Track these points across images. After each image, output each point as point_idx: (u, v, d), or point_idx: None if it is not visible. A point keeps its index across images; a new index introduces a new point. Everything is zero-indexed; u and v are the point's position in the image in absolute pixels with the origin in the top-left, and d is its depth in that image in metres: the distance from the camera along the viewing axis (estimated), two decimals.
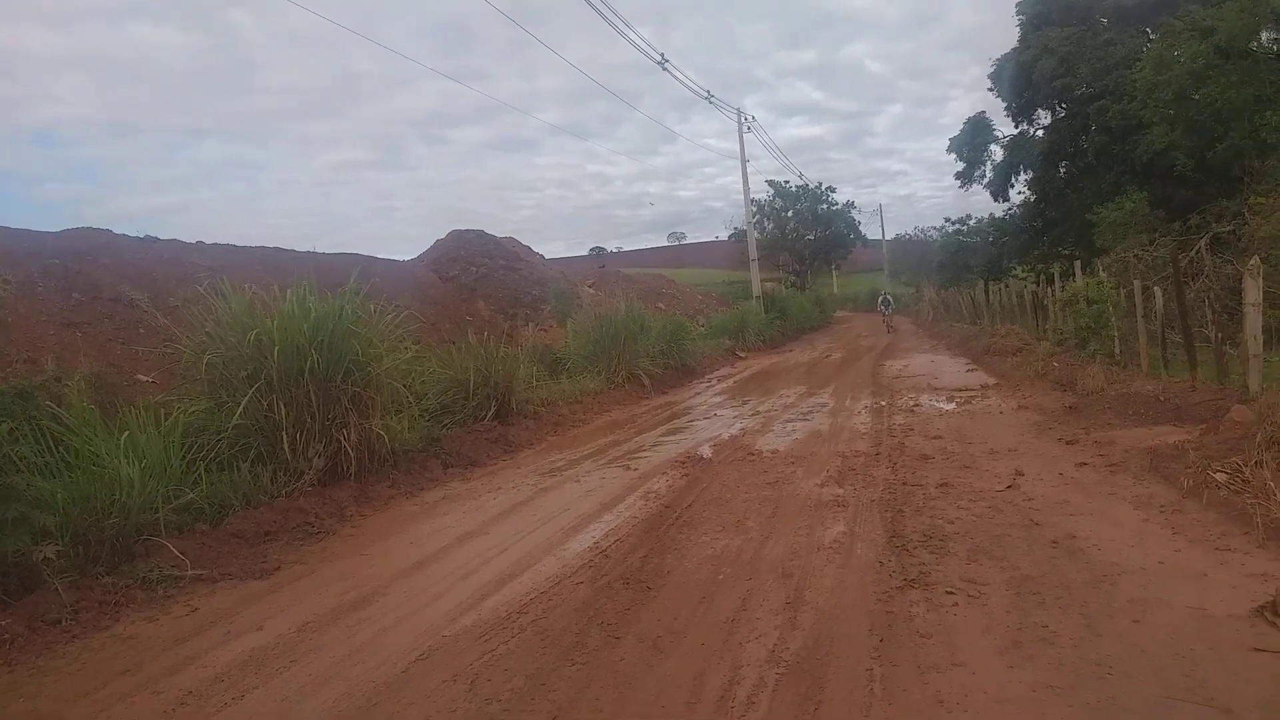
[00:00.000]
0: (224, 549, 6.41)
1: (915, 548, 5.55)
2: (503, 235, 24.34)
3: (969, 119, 41.42)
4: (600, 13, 28.64)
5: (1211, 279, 14.97)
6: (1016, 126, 37.32)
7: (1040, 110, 35.57)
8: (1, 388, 6.80)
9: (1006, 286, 32.49)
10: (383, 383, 8.80)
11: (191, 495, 6.73)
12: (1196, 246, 17.25)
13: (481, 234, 22.65)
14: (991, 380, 15.36)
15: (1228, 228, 18.11)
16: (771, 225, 58.98)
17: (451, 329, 16.12)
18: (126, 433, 6.48)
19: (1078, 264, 18.34)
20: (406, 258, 22.83)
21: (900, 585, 4.87)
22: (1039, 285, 25.23)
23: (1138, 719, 3.31)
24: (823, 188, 59.48)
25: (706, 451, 9.78)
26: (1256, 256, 9.70)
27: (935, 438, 9.75)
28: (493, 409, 11.30)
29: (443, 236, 22.93)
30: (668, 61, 28.17)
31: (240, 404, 7.66)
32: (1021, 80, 33.56)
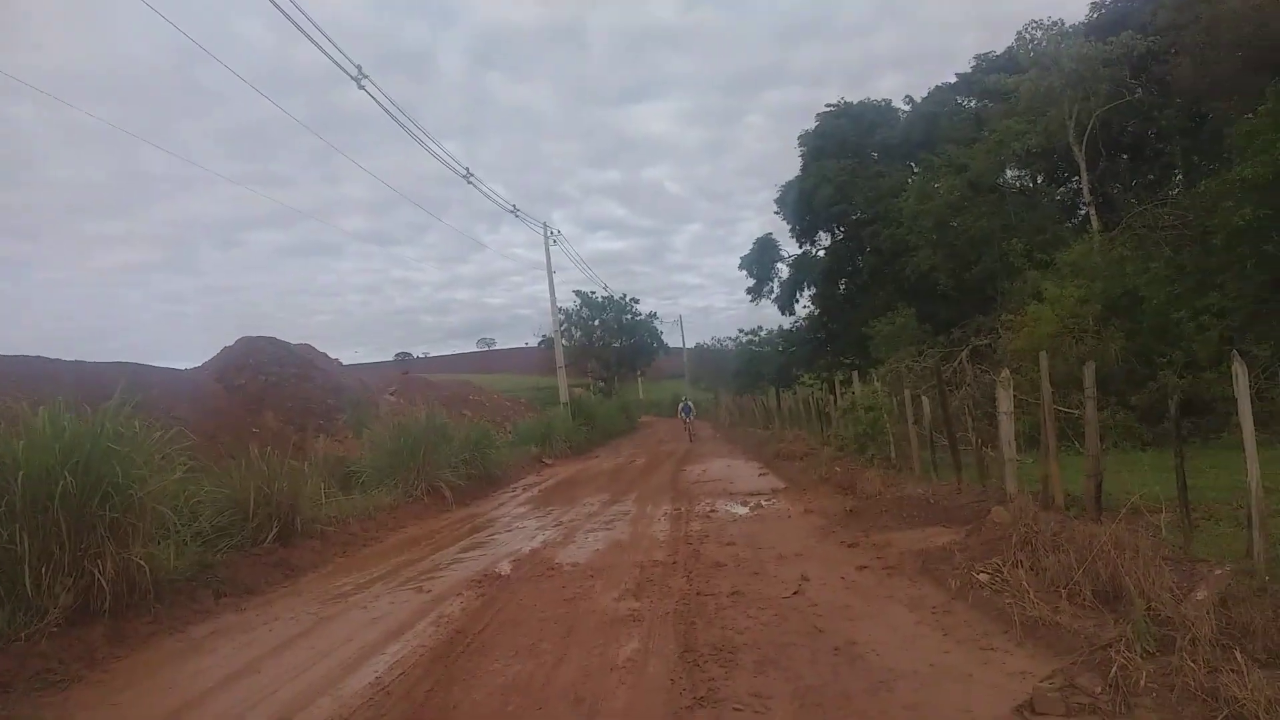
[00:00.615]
0: None
1: (706, 662, 5.54)
2: (299, 342, 23.48)
3: (758, 239, 44.39)
4: (404, 127, 28.75)
5: (972, 387, 16.34)
6: (800, 247, 40.27)
7: (821, 232, 38.50)
8: None
9: (795, 393, 34.22)
10: (146, 506, 8.04)
11: None
12: (958, 358, 18.88)
13: (273, 340, 21.69)
14: (781, 484, 15.92)
15: (984, 341, 19.96)
16: (579, 333, 60.05)
17: (235, 442, 15.10)
18: None
19: (855, 373, 19.56)
20: (192, 366, 21.52)
21: (690, 704, 4.82)
22: (824, 392, 26.73)
23: None
24: (627, 299, 61.47)
25: (505, 568, 9.50)
26: (1006, 369, 10.65)
27: (729, 544, 9.93)
28: (274, 530, 10.52)
29: (231, 344, 21.79)
30: (472, 176, 28.45)
31: None
32: (803, 205, 36.32)
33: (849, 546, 9.18)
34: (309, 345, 23.98)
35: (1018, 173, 28.21)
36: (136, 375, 15.64)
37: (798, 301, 41.79)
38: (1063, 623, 5.52)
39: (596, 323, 60.31)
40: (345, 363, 28.54)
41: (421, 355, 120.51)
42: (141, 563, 7.70)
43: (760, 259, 43.75)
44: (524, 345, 74.34)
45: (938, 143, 30.41)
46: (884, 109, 37.86)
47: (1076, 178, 25.48)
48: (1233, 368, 6.08)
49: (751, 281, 44.28)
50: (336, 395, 21.36)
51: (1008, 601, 6.06)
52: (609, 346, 61.30)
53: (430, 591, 8.57)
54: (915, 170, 32.77)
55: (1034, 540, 6.79)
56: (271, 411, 19.03)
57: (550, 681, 5.43)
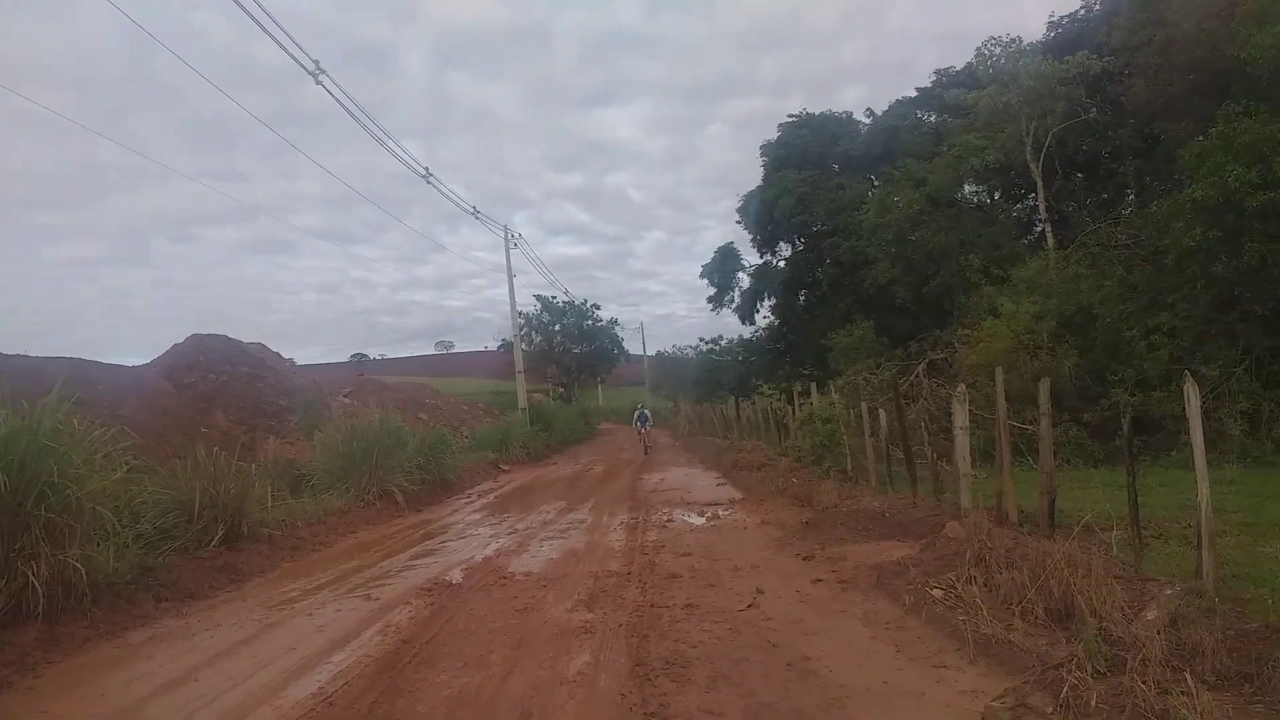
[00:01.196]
0: None
1: (658, 676, 5.47)
2: (252, 340, 23.06)
3: (720, 248, 44.55)
4: (362, 124, 28.45)
5: (929, 401, 16.46)
6: (761, 257, 40.46)
7: (782, 243, 38.71)
8: None
9: (754, 403, 34.29)
10: (84, 507, 7.78)
11: None
12: (915, 372, 19.01)
13: (225, 339, 21.28)
14: (738, 495, 15.92)
15: (941, 355, 20.13)
16: (539, 338, 59.67)
17: (184, 441, 14.76)
18: None
19: (814, 385, 19.63)
20: (141, 362, 21.02)
21: None
22: (783, 403, 26.82)
23: None
24: (588, 304, 61.18)
25: (457, 576, 9.35)
26: (962, 384, 10.72)
27: (685, 554, 9.88)
28: (220, 533, 10.25)
29: (181, 341, 21.32)
30: (432, 176, 28.16)
31: None
32: (765, 215, 36.50)
33: (805, 559, 9.17)
34: (262, 344, 23.57)
35: (975, 188, 28.59)
36: (81, 371, 15.23)
37: (758, 311, 42.07)
38: (1015, 640, 5.51)
39: (557, 328, 59.97)
40: (299, 363, 28.13)
41: (378, 357, 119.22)
42: (78, 565, 7.46)
43: (721, 268, 43.92)
44: (483, 349, 73.87)
45: (898, 156, 30.74)
46: (845, 121, 38.19)
47: (1033, 195, 25.85)
48: (1185, 389, 6.13)
49: (713, 290, 44.48)
50: (289, 396, 20.99)
51: (961, 618, 6.06)
52: (569, 352, 60.97)
53: (379, 599, 8.40)
54: (875, 183, 33.12)
55: (988, 556, 6.80)
56: (221, 411, 18.65)
57: (498, 694, 5.32)
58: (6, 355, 14.41)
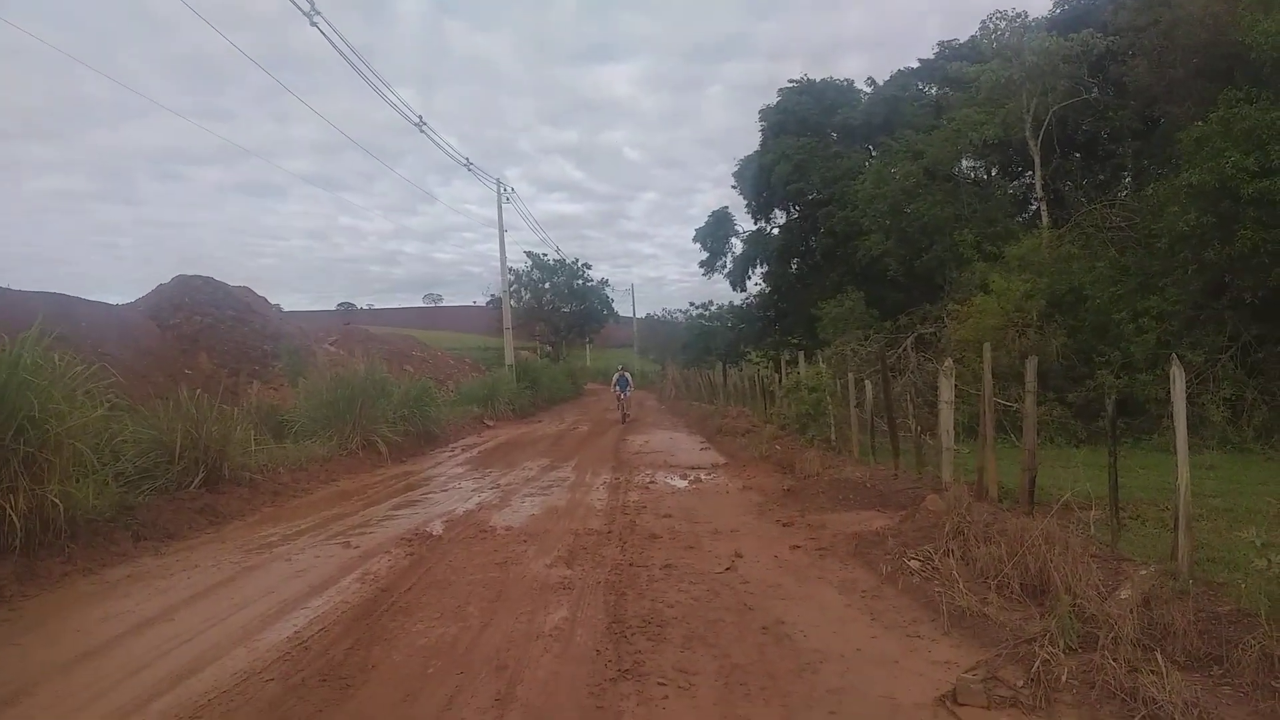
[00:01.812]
0: None
1: (634, 634, 5.49)
2: (237, 284, 22.86)
3: (714, 212, 44.23)
4: (356, 68, 28.01)
5: (915, 374, 16.50)
6: (755, 223, 40.24)
7: (777, 210, 38.49)
8: None
9: (741, 370, 34.31)
10: (64, 443, 7.73)
11: None
12: (903, 345, 19.03)
13: (210, 280, 21.08)
14: (722, 459, 15.97)
15: (930, 329, 20.15)
16: (529, 295, 59.57)
17: (166, 382, 14.68)
18: None
19: (801, 354, 19.64)
20: (125, 301, 20.84)
21: (614, 677, 4.76)
22: (770, 370, 26.84)
23: None
24: (579, 264, 61.11)
25: (437, 528, 9.37)
26: (949, 359, 10.73)
27: (665, 516, 9.91)
28: (201, 475, 10.23)
29: (167, 281, 21.12)
30: (425, 125, 27.83)
31: None
32: (761, 181, 36.22)
33: (784, 525, 9.21)
34: (248, 288, 23.39)
35: (973, 163, 28.43)
36: (63, 307, 15.09)
37: (750, 278, 41.94)
38: (989, 614, 5.55)
39: (547, 285, 59.87)
40: (285, 309, 27.97)
41: (365, 306, 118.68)
42: (56, 500, 7.44)
43: (715, 233, 43.74)
44: (472, 304, 73.68)
45: (897, 127, 30.51)
46: (846, 89, 37.84)
47: (1030, 172, 25.75)
48: (1171, 371, 6.13)
49: (705, 255, 44.32)
50: (274, 341, 20.86)
51: (937, 589, 6.10)
52: (558, 310, 60.92)
53: (358, 548, 8.42)
54: (873, 153, 32.90)
55: (966, 530, 6.85)
56: (205, 354, 18.53)
57: (474, 646, 5.34)
58: None
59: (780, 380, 19.62)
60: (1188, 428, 6.03)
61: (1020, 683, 4.43)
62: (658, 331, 75.77)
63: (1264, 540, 4.79)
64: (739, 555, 7.72)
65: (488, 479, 13.67)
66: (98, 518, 8.19)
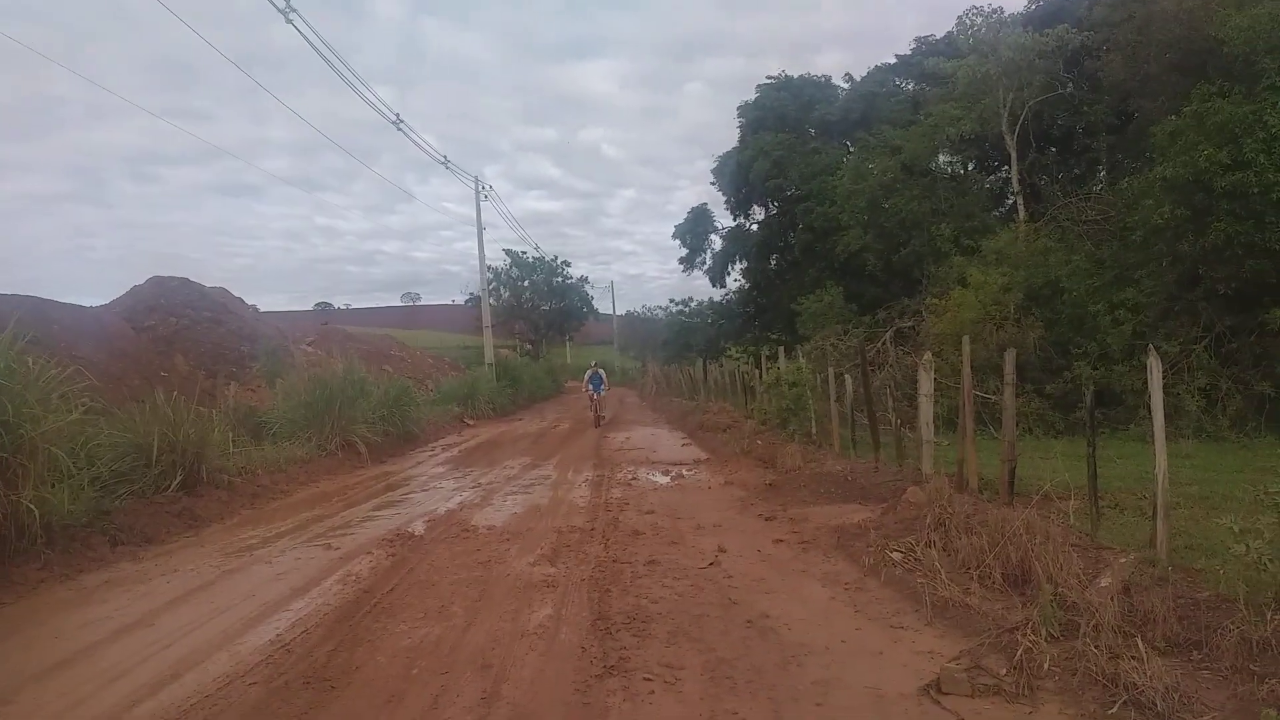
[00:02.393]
0: None
1: (619, 630, 5.49)
2: (214, 285, 22.68)
3: (693, 209, 44.23)
4: (332, 65, 27.83)
5: (894, 368, 16.58)
6: (735, 219, 40.25)
7: (756, 206, 38.52)
8: None
9: (722, 366, 34.34)
10: (38, 447, 7.63)
11: None
12: (882, 339, 19.11)
13: (186, 282, 20.89)
14: (703, 455, 16.00)
15: (909, 324, 20.25)
16: (508, 293, 59.39)
17: (142, 385, 14.50)
18: None
19: (781, 349, 19.69)
20: (99, 303, 20.60)
21: (600, 673, 4.75)
22: (750, 366, 26.90)
23: None
24: (558, 261, 60.96)
25: (419, 528, 9.32)
26: (929, 352, 10.79)
27: (648, 512, 9.91)
28: (178, 478, 10.12)
29: (141, 283, 20.91)
30: (402, 122, 27.69)
31: None
32: (740, 177, 36.24)
33: (767, 520, 9.24)
34: (224, 289, 23.21)
35: (950, 158, 28.54)
36: (37, 310, 14.86)
37: (729, 274, 41.97)
38: (972, 604, 5.59)
39: (526, 283, 59.71)
40: (262, 310, 27.69)
41: (343, 306, 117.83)
42: (31, 506, 7.35)
43: (694, 229, 43.72)
44: (451, 302, 73.35)
45: (875, 123, 30.60)
46: (824, 85, 37.90)
47: (1006, 167, 25.88)
48: (1148, 361, 6.20)
49: (684, 251, 44.26)
50: (251, 342, 20.70)
51: (919, 581, 6.14)
52: (538, 309, 60.79)
53: (339, 549, 8.36)
54: (851, 149, 32.96)
55: (947, 521, 6.88)
56: (182, 355, 18.34)
57: (458, 646, 5.32)
58: None
59: (761, 376, 19.68)
60: (1164, 417, 6.10)
61: (1003, 671, 4.46)
62: (638, 328, 75.70)
63: (1241, 526, 4.83)
64: (722, 550, 7.73)
65: (469, 478, 13.61)
66: (74, 523, 8.07)
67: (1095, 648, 4.43)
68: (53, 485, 7.93)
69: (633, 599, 6.22)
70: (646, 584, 6.67)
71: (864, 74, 36.59)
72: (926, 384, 9.67)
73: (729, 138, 39.91)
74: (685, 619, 5.72)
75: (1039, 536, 5.86)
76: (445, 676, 4.80)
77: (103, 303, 20.67)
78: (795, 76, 38.32)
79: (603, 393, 25.22)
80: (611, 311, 79.31)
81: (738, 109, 38.96)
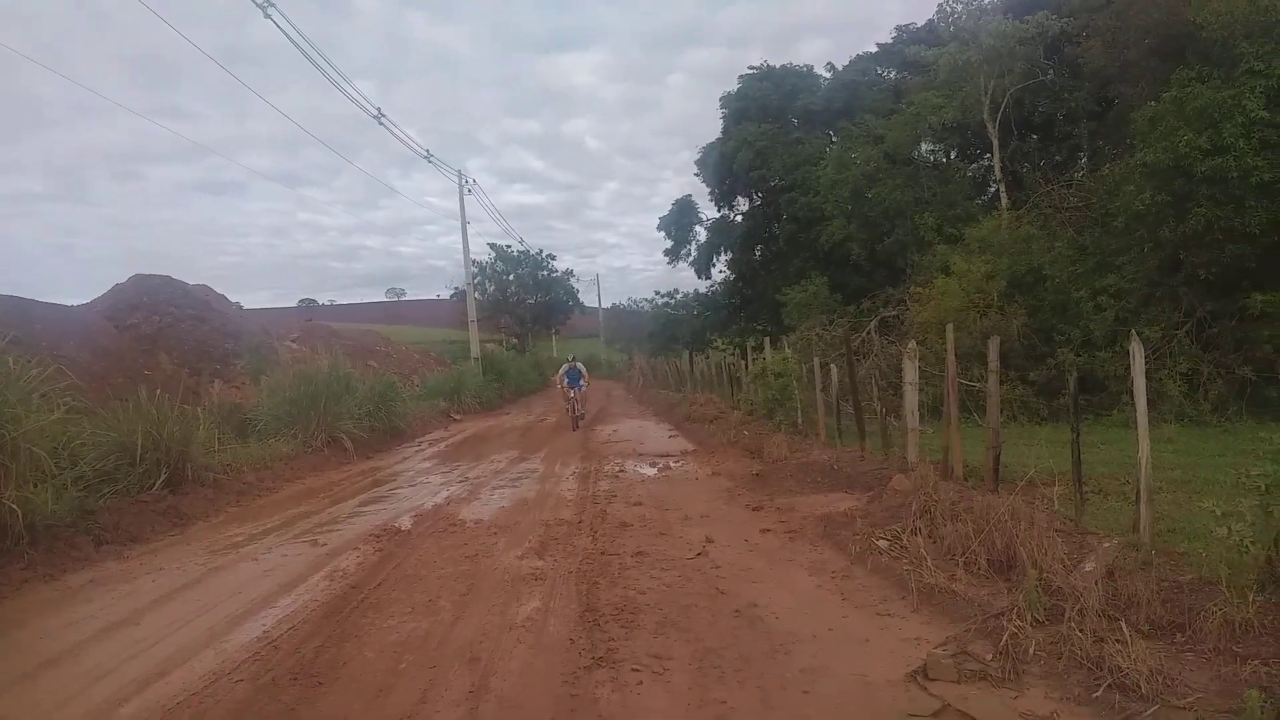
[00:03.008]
0: None
1: (607, 622, 5.50)
2: (197, 283, 22.57)
3: (677, 200, 44.17)
4: (312, 60, 27.63)
5: (879, 357, 16.62)
6: (719, 210, 40.24)
7: (740, 197, 38.50)
8: None
9: (708, 357, 34.36)
10: (20, 447, 7.57)
11: None
12: (867, 328, 19.15)
13: (168, 279, 20.75)
14: (690, 446, 16.00)
15: (893, 313, 20.30)
16: (493, 287, 59.10)
17: (126, 384, 14.39)
18: None
19: (767, 340, 19.71)
20: (81, 303, 20.45)
21: (588, 665, 4.76)
22: (736, 357, 26.90)
23: None
24: (544, 254, 60.71)
25: (406, 523, 9.29)
26: (913, 341, 10.82)
27: (636, 504, 9.93)
28: (163, 476, 10.04)
29: (123, 281, 20.76)
30: (384, 117, 27.49)
31: None
32: (724, 168, 36.20)
33: (754, 510, 9.26)
34: (207, 286, 23.08)
35: (932, 147, 28.59)
36: (18, 309, 14.77)
37: (714, 265, 41.99)
38: (958, 590, 5.63)
39: (511, 277, 59.40)
40: (246, 307, 27.59)
41: (327, 303, 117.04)
42: (14, 506, 7.31)
43: (679, 221, 43.71)
44: (435, 297, 72.79)
45: (857, 112, 30.63)
46: (806, 75, 37.89)
47: (988, 155, 25.95)
48: (1130, 347, 6.23)
49: (669, 243, 44.27)
50: (235, 340, 20.60)
51: (906, 568, 6.17)
52: (523, 302, 60.48)
53: (326, 545, 8.34)
54: (834, 139, 32.98)
55: (933, 509, 6.92)
56: (165, 354, 18.23)
57: (446, 640, 5.32)
58: None
59: (746, 367, 19.68)
60: (1146, 402, 6.14)
61: (989, 656, 4.50)
62: (624, 321, 75.71)
63: (1223, 509, 4.87)
64: (710, 540, 7.74)
65: (456, 473, 13.58)
66: (57, 523, 8.00)
67: (1080, 632, 4.47)
68: (35, 485, 7.87)
69: (621, 590, 6.23)
70: (634, 575, 6.68)
71: (846, 63, 36.66)
72: (911, 372, 9.70)
73: (712, 129, 39.93)
74: (673, 609, 5.73)
75: (1024, 522, 5.90)
76: (433, 670, 4.80)
77: (85, 302, 20.56)
78: (777, 66, 38.31)
79: (582, 388, 21.79)
80: (598, 304, 79.30)
81: (720, 99, 38.95)
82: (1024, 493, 6.61)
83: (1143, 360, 6.17)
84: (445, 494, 11.36)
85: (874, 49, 35.80)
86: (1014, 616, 4.78)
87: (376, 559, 7.64)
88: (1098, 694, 4.04)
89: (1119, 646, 4.23)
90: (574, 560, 7.27)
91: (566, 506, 10.05)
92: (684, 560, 7.13)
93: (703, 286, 43.98)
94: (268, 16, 18.14)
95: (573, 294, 64.54)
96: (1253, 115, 13.90)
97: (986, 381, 8.49)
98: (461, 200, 35.19)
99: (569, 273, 63.73)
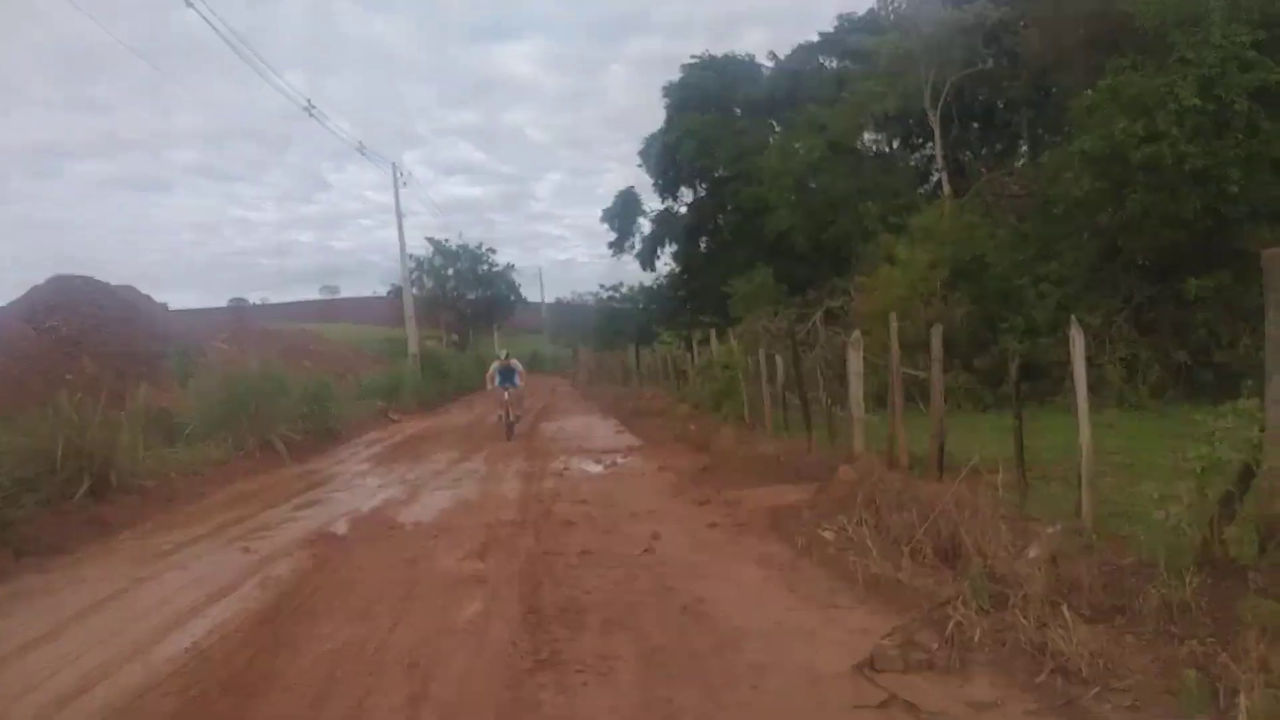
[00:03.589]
0: None
1: (551, 623, 5.38)
2: (120, 283, 21.93)
3: (621, 192, 43.80)
4: (239, 52, 26.93)
5: (825, 348, 16.67)
6: (663, 202, 40.02)
7: (684, 188, 38.36)
8: None
9: (655, 351, 34.31)
10: None
11: None
12: (812, 319, 19.21)
13: (89, 280, 20.16)
14: (637, 442, 15.93)
15: (838, 303, 20.39)
16: (432, 283, 58.29)
17: (46, 389, 13.85)
18: None
19: (713, 332, 19.70)
20: None
21: (531, 667, 4.64)
22: (682, 350, 26.88)
23: None
24: (483, 248, 60.04)
25: (341, 527, 9.06)
26: (858, 331, 10.82)
27: (581, 502, 9.81)
28: (86, 484, 9.65)
29: (41, 282, 20.08)
30: (314, 109, 26.91)
31: None
32: (667, 159, 36.03)
33: (701, 504, 9.22)
34: (131, 287, 22.53)
35: (875, 136, 28.85)
36: None
37: (659, 258, 41.77)
38: (904, 580, 5.60)
39: (450, 272, 58.62)
40: (173, 307, 26.93)
41: (259, 301, 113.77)
42: None
43: (622, 213, 43.45)
44: (371, 294, 71.55)
45: (800, 101, 30.65)
46: (748, 64, 37.79)
47: (930, 144, 26.20)
48: (1070, 333, 6.25)
49: (613, 235, 43.97)
50: (162, 341, 20.00)
51: (852, 559, 6.13)
52: (463, 298, 59.73)
53: (258, 552, 8.04)
54: (777, 129, 33.08)
55: (879, 499, 6.91)
56: (88, 357, 17.64)
57: (384, 647, 5.15)
58: None
59: (693, 360, 19.65)
60: (1087, 388, 6.16)
61: (935, 645, 4.49)
62: (568, 316, 75.22)
63: (1161, 493, 4.90)
64: (657, 537, 7.66)
65: (394, 474, 13.30)
66: None
67: (1024, 618, 4.45)
68: None
69: (565, 590, 6.12)
70: (579, 574, 6.57)
71: (788, 52, 36.61)
72: (856, 362, 9.69)
73: (655, 119, 39.45)
74: (619, 608, 5.64)
75: (968, 510, 5.89)
76: (371, 678, 4.63)
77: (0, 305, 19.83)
78: (720, 56, 38.12)
79: (519, 384, 18.79)
80: (540, 299, 78.79)
81: (663, 89, 38.67)
82: (968, 481, 6.59)
83: (1082, 347, 6.20)
84: (383, 496, 11.11)
85: (816, 38, 35.85)
86: (959, 605, 4.75)
87: (311, 565, 7.40)
88: (1041, 679, 4.03)
89: (1062, 632, 4.22)
90: (517, 561, 7.13)
91: (509, 507, 9.89)
92: (630, 557, 7.03)
93: (648, 279, 43.81)
94: (190, 5, 17.61)
95: (514, 288, 64.02)
96: (1185, 103, 14.11)
97: (930, 370, 8.50)
98: (396, 193, 34.45)
99: (511, 266, 63.18)
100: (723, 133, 34.07)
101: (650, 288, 43.30)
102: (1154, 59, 15.27)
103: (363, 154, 32.86)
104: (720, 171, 34.06)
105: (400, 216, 34.74)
